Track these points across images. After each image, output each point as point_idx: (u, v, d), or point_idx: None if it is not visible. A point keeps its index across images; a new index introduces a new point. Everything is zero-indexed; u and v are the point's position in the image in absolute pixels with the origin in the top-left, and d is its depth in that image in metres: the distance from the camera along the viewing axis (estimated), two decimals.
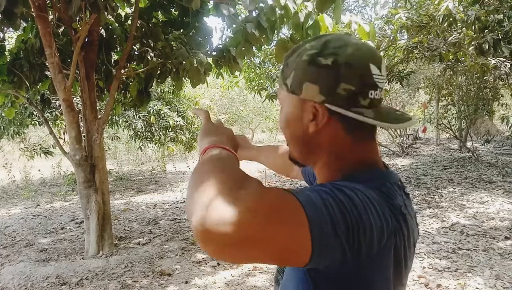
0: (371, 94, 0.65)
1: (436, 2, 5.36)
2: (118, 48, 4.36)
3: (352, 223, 0.53)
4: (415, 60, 7.24)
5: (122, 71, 3.94)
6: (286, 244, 0.51)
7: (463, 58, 6.64)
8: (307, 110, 0.67)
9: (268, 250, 0.52)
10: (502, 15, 4.76)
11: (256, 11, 3.25)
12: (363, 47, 0.66)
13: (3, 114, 6.45)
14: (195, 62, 3.77)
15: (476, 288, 2.99)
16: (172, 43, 3.97)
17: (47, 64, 3.58)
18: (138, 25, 3.84)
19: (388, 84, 7.79)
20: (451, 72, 8.46)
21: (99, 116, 3.97)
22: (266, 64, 7.63)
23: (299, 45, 0.71)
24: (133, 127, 8.27)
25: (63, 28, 3.99)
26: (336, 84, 0.64)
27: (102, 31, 4.09)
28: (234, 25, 3.49)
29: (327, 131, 0.68)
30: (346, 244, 0.53)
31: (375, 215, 0.57)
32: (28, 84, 3.84)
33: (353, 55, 0.64)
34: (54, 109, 6.71)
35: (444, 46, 5.86)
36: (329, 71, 0.64)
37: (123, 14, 4.20)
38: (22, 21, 3.55)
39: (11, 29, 3.97)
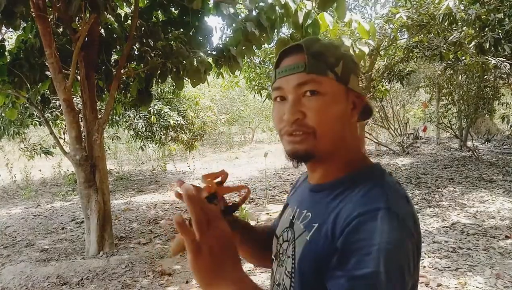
0: None
1: (436, 1, 5.36)
2: (118, 48, 4.35)
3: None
4: (415, 59, 7.23)
5: (122, 71, 3.94)
6: None
7: (463, 57, 6.63)
8: (349, 100, 0.72)
9: None
10: (502, 14, 4.74)
11: (256, 10, 3.24)
12: None
13: (3, 114, 6.45)
14: (195, 62, 3.76)
15: (477, 287, 2.98)
16: (172, 42, 3.97)
17: (47, 64, 3.57)
18: (138, 24, 3.84)
19: (389, 83, 7.79)
20: (452, 71, 8.45)
21: (99, 116, 3.96)
22: (266, 64, 7.62)
23: (313, 38, 0.75)
24: (133, 127, 8.28)
25: (63, 28, 3.99)
26: (359, 80, 0.77)
27: (102, 31, 4.09)
28: (234, 24, 3.48)
29: (355, 121, 0.75)
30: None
31: (412, 249, 0.63)
32: (28, 84, 3.84)
33: None
34: (54, 109, 6.71)
35: (444, 45, 5.85)
36: (358, 68, 0.75)
37: (122, 13, 4.19)
38: (22, 21, 3.55)
39: (11, 29, 3.97)
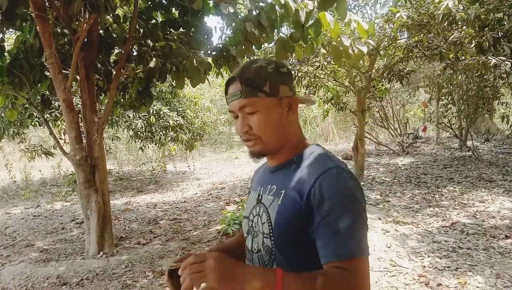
0: None
1: (436, 1, 5.35)
2: (118, 48, 4.35)
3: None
4: (415, 59, 7.22)
5: (122, 71, 3.93)
6: None
7: (463, 57, 6.62)
8: (284, 105, 0.95)
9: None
10: (502, 14, 4.74)
11: (256, 10, 3.24)
12: None
13: (3, 115, 6.44)
14: (195, 62, 3.76)
15: (477, 287, 2.98)
16: (172, 43, 3.96)
17: (46, 64, 3.57)
18: (137, 25, 3.84)
19: (388, 83, 7.77)
20: (451, 71, 8.44)
21: (99, 116, 3.96)
22: None
23: (246, 66, 0.96)
24: (133, 127, 8.27)
25: (63, 28, 3.99)
26: (292, 83, 0.99)
27: (101, 31, 4.08)
28: (233, 24, 3.48)
29: (294, 116, 0.99)
30: None
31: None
32: (28, 85, 3.84)
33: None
34: (54, 110, 6.71)
35: (444, 45, 5.83)
36: (288, 76, 0.97)
37: (122, 14, 4.19)
38: (22, 22, 3.54)
39: (11, 29, 3.96)
